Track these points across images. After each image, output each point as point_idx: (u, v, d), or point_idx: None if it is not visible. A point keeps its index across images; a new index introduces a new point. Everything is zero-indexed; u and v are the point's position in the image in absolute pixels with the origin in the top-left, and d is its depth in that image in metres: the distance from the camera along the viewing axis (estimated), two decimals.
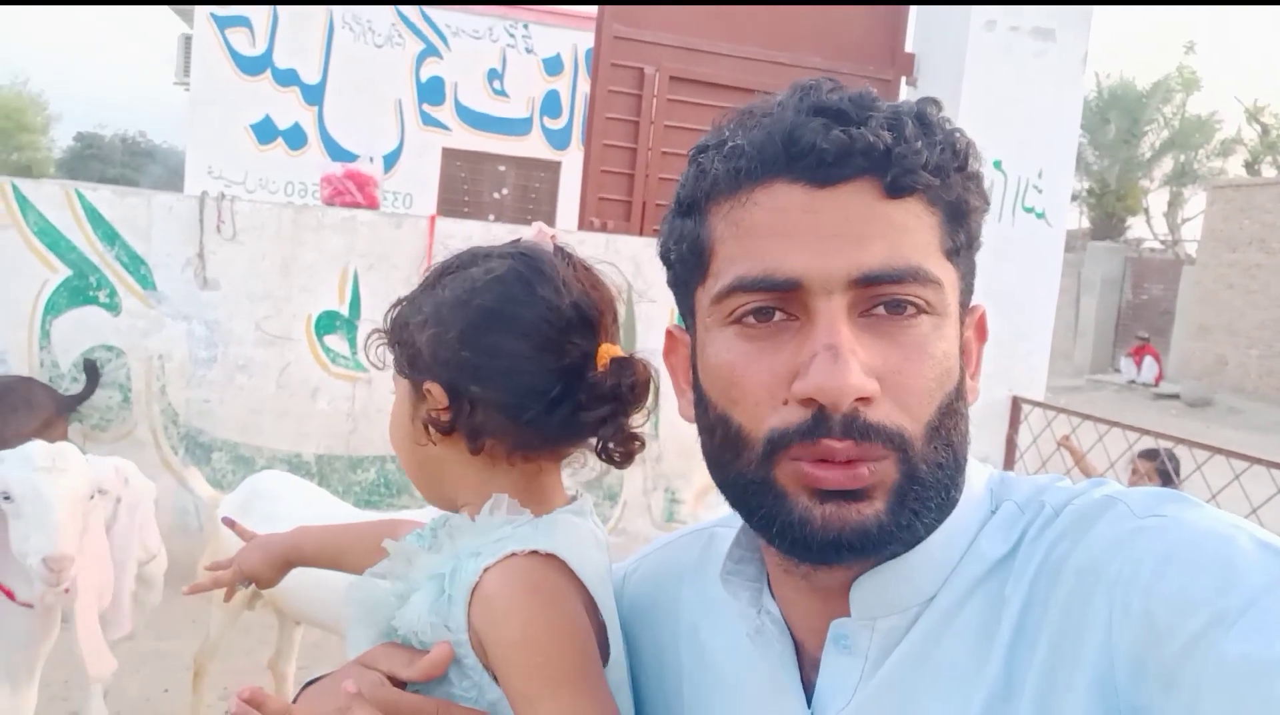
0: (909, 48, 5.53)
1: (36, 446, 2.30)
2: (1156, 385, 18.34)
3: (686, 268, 0.79)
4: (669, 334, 0.87)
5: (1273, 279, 17.14)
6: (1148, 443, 4.36)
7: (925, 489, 0.71)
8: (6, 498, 2.23)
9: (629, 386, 0.93)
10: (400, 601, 0.90)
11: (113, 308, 5.01)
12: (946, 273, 0.73)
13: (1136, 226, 28.26)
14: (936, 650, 0.73)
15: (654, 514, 5.40)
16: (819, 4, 5.44)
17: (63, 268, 4.94)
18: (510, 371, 0.90)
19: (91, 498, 2.32)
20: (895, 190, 0.70)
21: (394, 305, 0.99)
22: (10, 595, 2.32)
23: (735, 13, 5.39)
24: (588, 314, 0.93)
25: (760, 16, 5.40)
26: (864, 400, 0.69)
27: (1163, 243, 26.67)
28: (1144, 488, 0.74)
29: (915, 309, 0.71)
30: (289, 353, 5.16)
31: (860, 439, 0.68)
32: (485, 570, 0.86)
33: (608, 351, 0.93)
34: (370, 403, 5.21)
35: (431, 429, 0.92)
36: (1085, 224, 28.15)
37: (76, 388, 4.94)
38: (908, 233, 0.71)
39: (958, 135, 0.73)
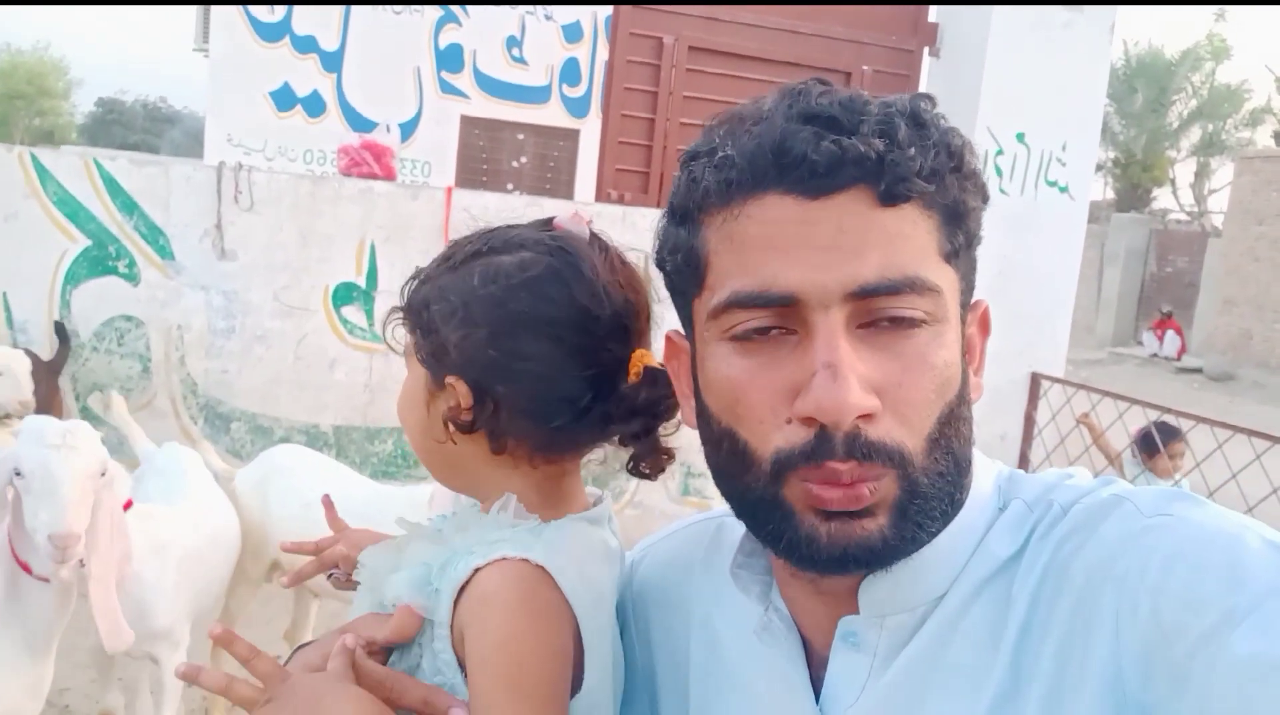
0: (932, 17, 5.45)
1: (49, 423, 2.32)
2: (1178, 359, 18.22)
3: (682, 278, 0.78)
4: (669, 340, 0.86)
5: None
6: (1166, 421, 4.33)
7: (927, 501, 0.72)
8: (18, 474, 2.25)
9: (661, 400, 0.90)
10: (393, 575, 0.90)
11: (132, 278, 5.03)
12: (945, 276, 0.72)
13: (1162, 197, 28.02)
14: (945, 650, 0.74)
15: (670, 487, 5.41)
16: None
17: (82, 238, 4.96)
18: (540, 376, 0.87)
19: (103, 475, 2.33)
20: (889, 199, 0.69)
21: (413, 278, 0.95)
22: (28, 570, 2.34)
23: None
24: (624, 320, 0.90)
25: None
26: (865, 416, 0.68)
27: (1189, 214, 26.37)
28: (1152, 487, 0.74)
29: (914, 321, 0.70)
30: (307, 324, 5.17)
31: (863, 459, 0.68)
32: (476, 570, 0.84)
33: (641, 358, 0.90)
34: (388, 374, 5.21)
35: (452, 426, 0.88)
36: (1110, 195, 27.85)
37: (96, 356, 4.97)
38: (904, 240, 0.70)
39: (952, 134, 0.72)
